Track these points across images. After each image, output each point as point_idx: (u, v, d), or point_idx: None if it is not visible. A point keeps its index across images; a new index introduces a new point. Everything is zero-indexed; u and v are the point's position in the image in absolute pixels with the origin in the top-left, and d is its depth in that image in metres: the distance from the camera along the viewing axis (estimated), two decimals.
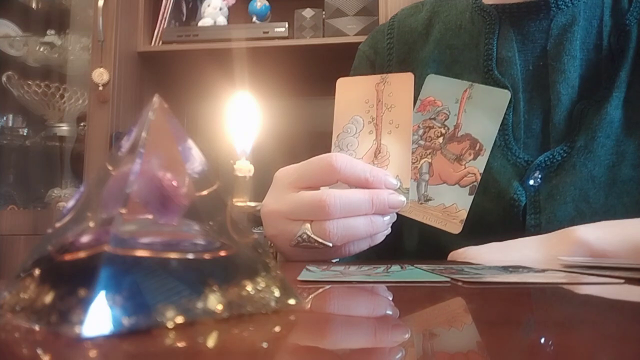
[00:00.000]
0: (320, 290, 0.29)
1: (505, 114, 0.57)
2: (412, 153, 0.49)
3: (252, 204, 0.43)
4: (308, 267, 0.38)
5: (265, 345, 0.16)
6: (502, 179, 0.56)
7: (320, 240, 0.44)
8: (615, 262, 0.38)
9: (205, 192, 0.22)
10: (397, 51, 0.68)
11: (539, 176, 0.55)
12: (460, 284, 0.29)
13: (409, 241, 0.64)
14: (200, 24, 1.75)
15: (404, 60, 0.67)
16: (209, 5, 1.76)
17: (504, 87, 0.58)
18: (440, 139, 0.50)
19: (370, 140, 0.48)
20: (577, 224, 0.52)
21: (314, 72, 1.82)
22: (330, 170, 0.45)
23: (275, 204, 0.47)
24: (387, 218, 0.46)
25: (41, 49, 1.82)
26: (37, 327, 0.16)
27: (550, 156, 0.55)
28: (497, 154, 0.57)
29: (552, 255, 0.46)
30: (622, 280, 0.29)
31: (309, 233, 0.44)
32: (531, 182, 0.56)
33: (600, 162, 0.54)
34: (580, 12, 0.58)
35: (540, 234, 0.54)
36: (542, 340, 0.17)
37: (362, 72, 0.70)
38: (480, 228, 0.57)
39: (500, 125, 0.57)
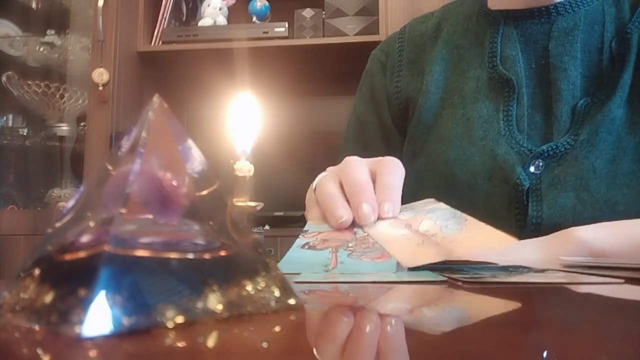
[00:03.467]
0: (320, 290, 0.29)
1: (509, 106, 0.61)
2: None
3: (252, 203, 0.43)
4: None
5: (265, 345, 0.16)
6: (507, 165, 0.59)
7: None
8: (615, 262, 0.38)
9: (205, 192, 0.22)
10: (407, 53, 0.72)
11: (541, 164, 0.58)
12: (460, 283, 0.29)
13: None
14: (200, 24, 1.75)
15: (414, 61, 0.71)
16: (209, 5, 1.76)
17: (509, 80, 0.62)
18: None
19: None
20: (578, 213, 0.53)
21: (314, 72, 1.82)
22: None
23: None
24: None
25: (41, 49, 1.82)
26: (37, 327, 0.16)
27: (554, 146, 0.58)
28: (501, 142, 0.60)
29: (552, 256, 0.47)
30: (622, 280, 0.29)
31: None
32: (532, 169, 0.58)
33: (601, 155, 0.56)
34: (581, 19, 0.62)
35: (542, 221, 0.56)
36: (542, 340, 0.17)
37: (374, 74, 0.73)
38: (485, 213, 0.57)
39: (505, 117, 0.61)
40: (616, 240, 0.47)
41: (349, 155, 0.70)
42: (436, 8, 0.77)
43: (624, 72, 0.58)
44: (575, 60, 0.60)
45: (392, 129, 0.70)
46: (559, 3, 0.62)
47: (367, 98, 0.73)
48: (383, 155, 0.68)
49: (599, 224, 0.49)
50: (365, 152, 0.70)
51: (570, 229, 0.49)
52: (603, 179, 0.55)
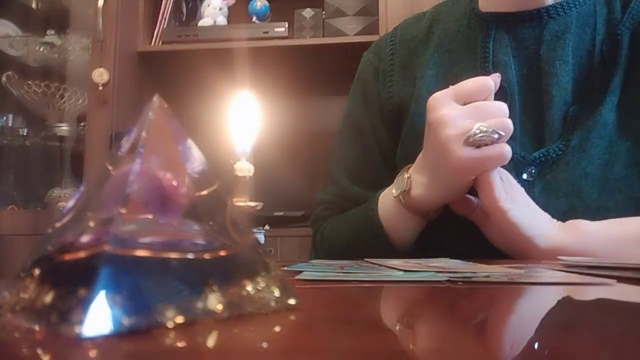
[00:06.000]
0: (320, 290, 0.29)
1: None
2: None
3: (252, 203, 0.43)
4: (310, 263, 0.39)
5: (265, 345, 0.16)
6: None
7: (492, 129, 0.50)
8: (614, 262, 0.38)
9: (205, 192, 0.22)
10: (399, 56, 0.71)
11: (534, 171, 0.58)
12: (460, 284, 0.29)
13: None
14: (200, 24, 1.75)
15: (406, 65, 0.70)
16: (208, 5, 1.76)
17: (501, 88, 0.61)
18: None
19: None
20: (569, 218, 0.53)
21: (314, 72, 1.82)
22: (486, 86, 0.53)
23: (448, 114, 0.52)
24: None
25: (41, 49, 1.82)
26: (37, 327, 0.16)
27: (545, 153, 0.58)
28: None
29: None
30: (621, 280, 0.29)
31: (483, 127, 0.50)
32: (525, 176, 0.58)
33: (593, 160, 0.56)
34: (573, 21, 0.61)
35: None
36: (542, 339, 0.17)
37: (367, 80, 0.73)
38: None
39: None
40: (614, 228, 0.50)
41: (346, 158, 0.71)
42: None
43: (615, 75, 0.58)
44: (566, 65, 0.60)
45: (383, 133, 0.70)
46: (551, 5, 0.61)
47: (360, 102, 0.73)
48: (380, 160, 0.68)
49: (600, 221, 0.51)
50: (363, 155, 0.70)
51: (574, 220, 0.52)
52: (595, 184, 0.55)
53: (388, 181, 0.64)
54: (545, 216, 0.52)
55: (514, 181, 0.53)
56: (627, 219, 0.52)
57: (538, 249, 0.51)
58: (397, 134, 0.68)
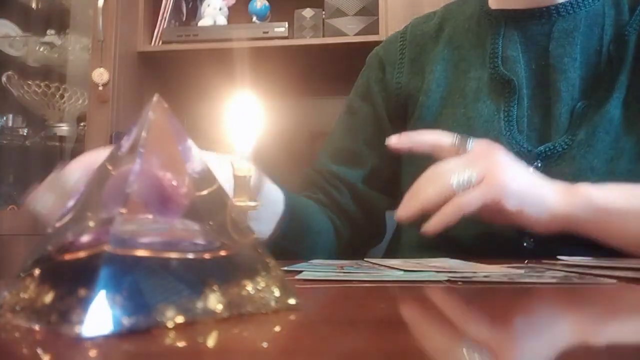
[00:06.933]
0: (320, 290, 0.29)
1: (510, 107, 0.62)
2: None
3: (252, 203, 0.43)
4: (310, 263, 0.39)
5: (265, 345, 0.16)
6: None
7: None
8: (614, 262, 0.38)
9: (205, 192, 0.22)
10: (409, 51, 0.73)
11: (539, 164, 0.59)
12: (459, 284, 0.29)
13: (407, 234, 0.65)
14: (200, 23, 1.74)
15: (415, 59, 0.71)
16: (208, 5, 1.76)
17: (510, 81, 0.62)
18: None
19: None
20: None
21: (314, 72, 1.82)
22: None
23: None
24: None
25: (41, 49, 1.82)
26: (37, 327, 0.16)
27: (552, 147, 0.59)
28: (502, 142, 0.62)
29: (569, 202, 0.50)
30: (621, 280, 0.29)
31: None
32: (530, 169, 0.58)
33: (599, 155, 0.58)
34: (582, 20, 0.62)
35: None
36: (542, 339, 0.17)
37: (372, 68, 0.74)
38: None
39: (506, 117, 0.62)
40: (622, 198, 0.50)
41: (332, 138, 0.72)
42: (436, 8, 0.77)
43: (621, 73, 0.59)
44: (574, 62, 0.61)
45: (384, 119, 0.71)
46: (560, 4, 0.62)
47: (361, 89, 0.74)
48: (362, 142, 0.69)
49: (604, 185, 0.51)
50: (347, 135, 0.72)
51: (577, 185, 0.51)
52: (601, 177, 0.56)
53: (367, 163, 0.68)
54: (548, 190, 0.51)
55: (507, 164, 0.52)
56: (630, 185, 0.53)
57: (545, 224, 0.50)
58: (398, 123, 0.70)
